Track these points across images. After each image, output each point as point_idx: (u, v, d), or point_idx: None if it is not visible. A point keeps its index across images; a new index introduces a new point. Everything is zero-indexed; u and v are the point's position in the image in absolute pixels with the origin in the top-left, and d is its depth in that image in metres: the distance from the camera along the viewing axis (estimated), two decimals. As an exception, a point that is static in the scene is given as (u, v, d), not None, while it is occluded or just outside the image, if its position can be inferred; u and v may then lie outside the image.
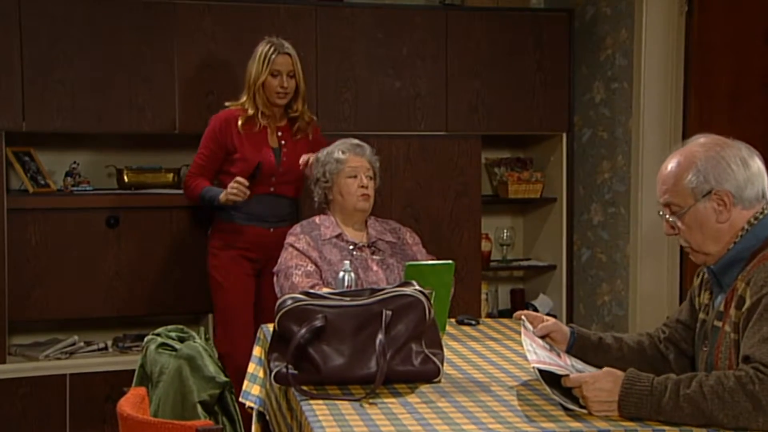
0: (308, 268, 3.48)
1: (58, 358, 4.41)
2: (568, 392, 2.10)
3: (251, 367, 3.20)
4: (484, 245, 5.04)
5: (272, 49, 4.01)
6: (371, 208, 3.74)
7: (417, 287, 2.45)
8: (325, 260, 3.50)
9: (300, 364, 2.34)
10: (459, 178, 4.81)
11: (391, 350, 2.31)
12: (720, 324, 2.18)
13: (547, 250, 5.25)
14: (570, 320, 5.13)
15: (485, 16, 4.83)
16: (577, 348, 2.40)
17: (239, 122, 4.06)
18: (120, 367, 4.43)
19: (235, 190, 3.92)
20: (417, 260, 3.66)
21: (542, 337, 2.42)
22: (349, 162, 3.68)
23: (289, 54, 4.04)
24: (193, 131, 4.46)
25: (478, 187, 4.88)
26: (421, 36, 4.74)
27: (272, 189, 4.12)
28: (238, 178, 3.93)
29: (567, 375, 2.08)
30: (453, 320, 3.29)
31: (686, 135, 4.64)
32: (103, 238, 4.39)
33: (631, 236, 4.80)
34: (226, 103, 4.14)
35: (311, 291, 2.47)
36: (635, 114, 4.74)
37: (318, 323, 2.30)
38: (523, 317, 2.53)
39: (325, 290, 2.94)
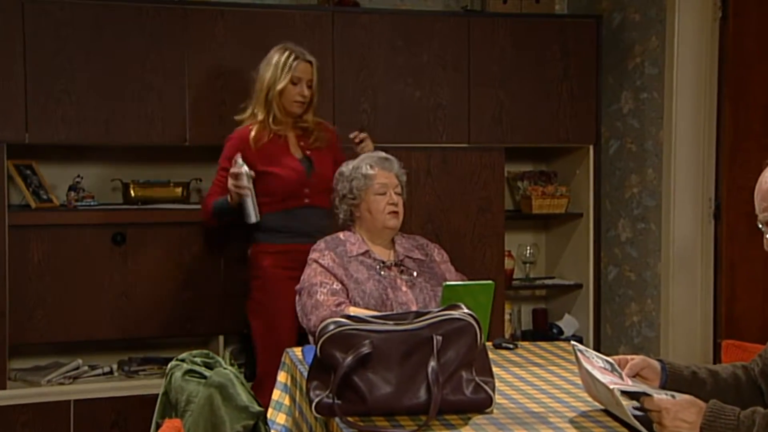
0: (334, 286, 3.39)
1: (61, 383, 4.32)
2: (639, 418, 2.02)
3: (276, 394, 3.12)
4: (507, 263, 4.96)
5: (293, 56, 3.93)
6: (400, 225, 3.66)
7: (466, 310, 2.36)
8: (351, 278, 3.41)
9: (343, 393, 2.25)
10: (481, 193, 4.73)
11: (441, 378, 2.22)
12: None
13: (572, 267, 5.18)
14: (597, 341, 5.06)
15: (509, 22, 4.77)
16: (671, 384, 2.28)
17: (251, 135, 3.94)
18: (126, 393, 4.36)
19: (233, 186, 3.73)
20: (446, 279, 3.58)
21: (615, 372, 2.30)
22: (378, 178, 3.59)
23: (310, 62, 3.98)
24: (204, 143, 4.41)
25: (501, 202, 4.80)
26: (442, 43, 4.67)
27: (307, 201, 3.99)
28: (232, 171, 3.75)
29: (650, 396, 1.99)
30: (489, 344, 3.20)
31: (720, 147, 4.59)
32: (109, 256, 4.30)
33: (663, 253, 4.73)
34: (236, 117, 4.04)
35: (353, 314, 2.37)
36: (666, 125, 4.67)
37: (365, 350, 2.21)
38: (572, 343, 2.44)
39: (365, 312, 2.85)
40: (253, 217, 3.79)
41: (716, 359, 4.43)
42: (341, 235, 3.62)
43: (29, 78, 4.15)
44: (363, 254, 3.50)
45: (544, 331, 5.19)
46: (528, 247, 5.18)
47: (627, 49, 4.92)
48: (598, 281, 5.08)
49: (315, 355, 2.30)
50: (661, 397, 2.01)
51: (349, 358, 2.20)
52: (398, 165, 3.68)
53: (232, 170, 3.70)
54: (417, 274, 3.54)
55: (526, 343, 3.32)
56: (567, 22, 4.91)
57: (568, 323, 5.11)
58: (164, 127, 4.34)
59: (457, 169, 4.68)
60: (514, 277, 5.15)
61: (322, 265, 3.45)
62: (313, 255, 3.53)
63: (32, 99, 4.16)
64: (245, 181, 3.69)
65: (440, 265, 3.68)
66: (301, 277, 3.53)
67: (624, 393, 2.07)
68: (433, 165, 4.64)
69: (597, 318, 5.07)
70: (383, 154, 3.72)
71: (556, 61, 4.85)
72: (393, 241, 3.65)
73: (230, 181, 3.74)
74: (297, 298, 3.54)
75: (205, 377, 2.55)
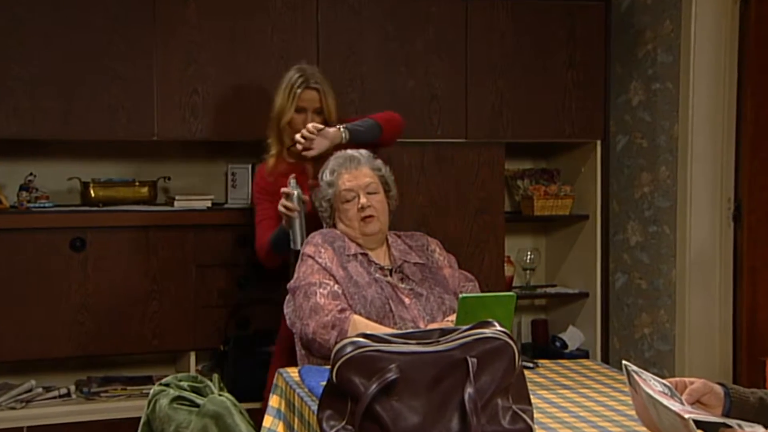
0: (334, 288, 3.20)
1: (12, 408, 4.22)
2: None
3: (267, 421, 2.97)
4: (507, 269, 4.84)
5: (299, 82, 3.80)
6: (387, 225, 3.49)
7: (499, 327, 2.20)
8: (351, 281, 3.22)
9: (362, 424, 2.08)
10: (480, 193, 4.60)
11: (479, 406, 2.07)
12: None
13: (576, 275, 5.08)
14: (605, 355, 4.95)
15: (510, 5, 4.71)
16: (735, 412, 2.15)
17: (267, 169, 3.86)
18: (86, 417, 4.28)
19: (283, 206, 3.60)
20: (448, 285, 3.43)
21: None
22: (341, 183, 3.41)
23: (316, 89, 3.82)
24: (174, 137, 4.35)
25: (501, 203, 4.69)
26: (437, 29, 4.60)
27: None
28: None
29: (731, 428, 1.85)
30: (506, 362, 3.05)
31: (740, 141, 4.53)
32: (66, 264, 4.19)
33: (678, 259, 4.64)
34: (265, 157, 3.92)
35: (370, 333, 2.20)
36: (682, 118, 4.60)
37: (392, 376, 2.04)
38: (625, 362, 2.29)
39: (380, 328, 2.68)
40: (299, 242, 3.62)
41: (755, 377, 4.33)
42: (338, 230, 3.44)
43: (-23, 64, 4.03)
44: (362, 255, 3.34)
45: (545, 344, 5.09)
46: (528, 252, 5.08)
47: (638, 35, 4.85)
48: (606, 290, 4.99)
49: (329, 380, 2.13)
50: (749, 431, 1.87)
51: (374, 386, 2.03)
52: (369, 158, 3.49)
53: (284, 190, 3.60)
54: (419, 280, 3.37)
55: (545, 362, 3.19)
56: (572, 6, 4.84)
57: (572, 336, 5.00)
58: (129, 119, 4.23)
59: (453, 167, 4.56)
60: (514, 284, 5.04)
61: (318, 263, 3.27)
62: (307, 249, 3.33)
63: (-21, 88, 4.05)
64: (296, 203, 3.58)
65: (443, 270, 3.50)
66: (295, 274, 3.34)
67: (696, 422, 1.92)
68: (427, 162, 4.51)
69: (604, 330, 4.98)
70: (349, 151, 3.53)
71: (561, 49, 4.79)
72: (387, 243, 3.48)
73: (281, 201, 3.61)
74: (288, 297, 3.34)
75: (195, 405, 2.40)
